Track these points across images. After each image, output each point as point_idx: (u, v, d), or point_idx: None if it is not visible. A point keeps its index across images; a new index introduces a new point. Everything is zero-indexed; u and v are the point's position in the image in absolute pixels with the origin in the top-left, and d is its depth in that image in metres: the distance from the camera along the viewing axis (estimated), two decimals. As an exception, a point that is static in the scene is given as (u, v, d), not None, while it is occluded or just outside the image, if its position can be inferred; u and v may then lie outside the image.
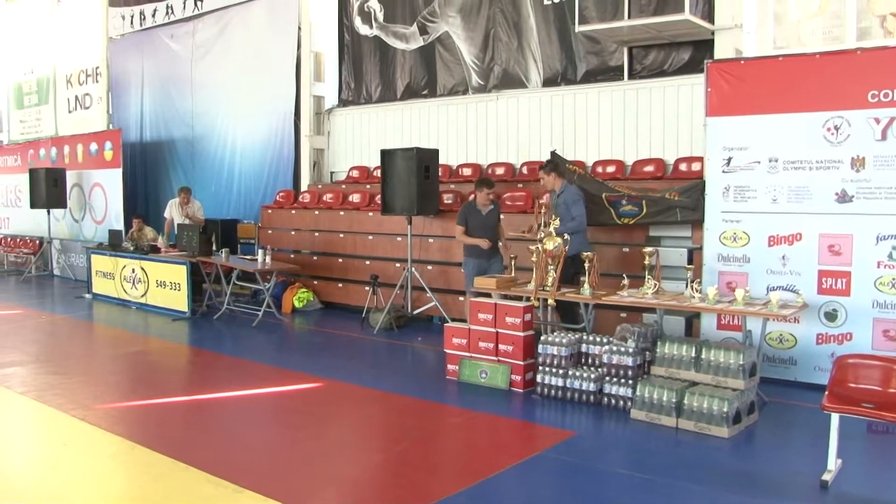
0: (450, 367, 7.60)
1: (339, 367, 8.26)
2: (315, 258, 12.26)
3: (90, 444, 5.91)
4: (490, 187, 8.90)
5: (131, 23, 17.56)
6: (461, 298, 9.62)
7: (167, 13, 16.59)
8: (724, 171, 7.50)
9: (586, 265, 7.08)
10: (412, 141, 12.09)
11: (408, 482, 5.15)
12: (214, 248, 11.72)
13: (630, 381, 6.49)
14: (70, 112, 19.44)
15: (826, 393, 4.98)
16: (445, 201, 10.89)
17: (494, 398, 6.97)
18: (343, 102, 13.88)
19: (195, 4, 15.84)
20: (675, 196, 8.32)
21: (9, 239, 18.98)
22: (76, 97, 19.27)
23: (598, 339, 6.91)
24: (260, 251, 11.07)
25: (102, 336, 10.92)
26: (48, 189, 15.94)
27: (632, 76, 10.32)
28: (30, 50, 20.68)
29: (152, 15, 17.00)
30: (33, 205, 16.32)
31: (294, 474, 5.27)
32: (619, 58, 10.41)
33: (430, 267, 10.54)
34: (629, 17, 9.30)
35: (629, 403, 6.40)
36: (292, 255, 12.57)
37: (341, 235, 11.99)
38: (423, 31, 12.50)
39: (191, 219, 12.66)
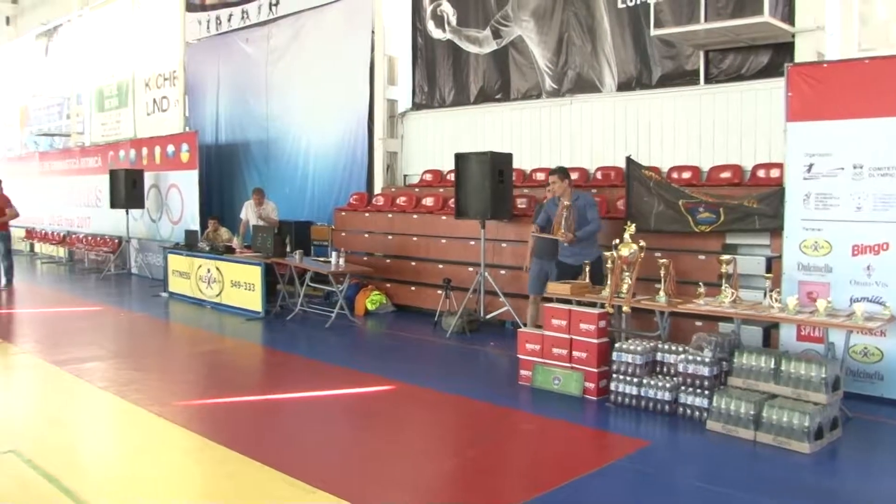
0: (523, 372, 7.57)
1: (411, 371, 8.29)
2: (388, 261, 12.34)
3: (167, 440, 6.08)
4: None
5: (207, 27, 17.92)
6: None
7: (243, 18, 16.88)
8: (804, 178, 7.27)
9: (662, 272, 6.99)
10: (485, 145, 12.04)
11: (480, 487, 5.16)
12: (288, 249, 11.92)
13: (706, 392, 6.36)
14: (148, 115, 19.96)
15: (916, 410, 4.81)
16: (519, 206, 10.84)
17: (568, 405, 6.92)
18: (416, 106, 13.92)
19: (270, 9, 16.08)
20: (754, 203, 8.15)
21: (89, 238, 19.61)
22: (154, 100, 19.77)
23: (673, 348, 6.79)
24: (333, 253, 11.22)
25: (178, 334, 11.18)
26: (127, 190, 16.43)
27: (708, 80, 10.10)
28: (111, 55, 21.32)
29: (228, 20, 17.32)
30: (113, 205, 16.84)
31: (366, 476, 5.31)
32: (695, 62, 10.21)
33: (503, 272, 10.50)
34: (706, 19, 9.12)
35: (705, 414, 6.27)
36: (365, 258, 12.65)
37: (414, 239, 12.04)
38: (497, 34, 12.46)
39: (265, 220, 12.87)
